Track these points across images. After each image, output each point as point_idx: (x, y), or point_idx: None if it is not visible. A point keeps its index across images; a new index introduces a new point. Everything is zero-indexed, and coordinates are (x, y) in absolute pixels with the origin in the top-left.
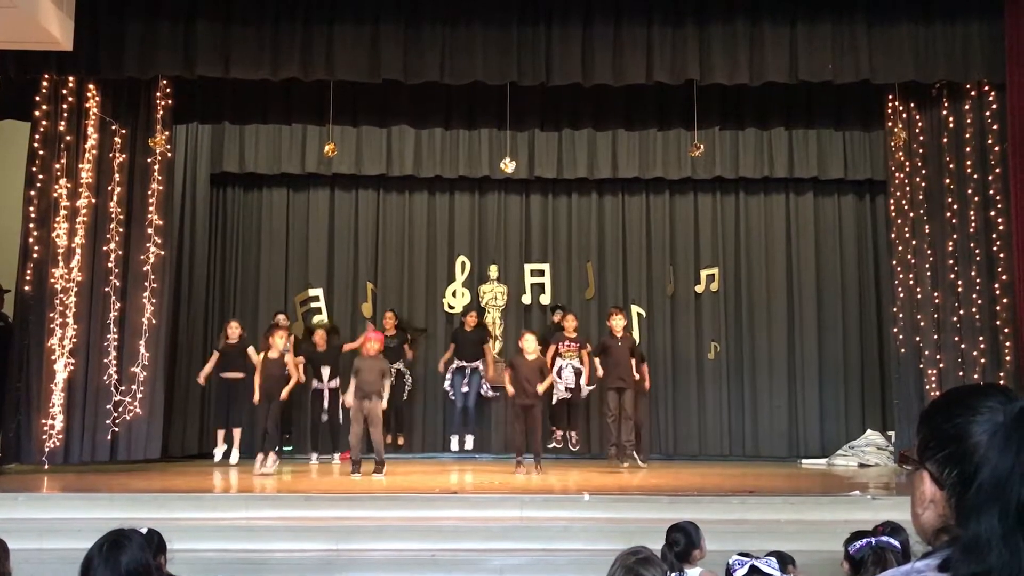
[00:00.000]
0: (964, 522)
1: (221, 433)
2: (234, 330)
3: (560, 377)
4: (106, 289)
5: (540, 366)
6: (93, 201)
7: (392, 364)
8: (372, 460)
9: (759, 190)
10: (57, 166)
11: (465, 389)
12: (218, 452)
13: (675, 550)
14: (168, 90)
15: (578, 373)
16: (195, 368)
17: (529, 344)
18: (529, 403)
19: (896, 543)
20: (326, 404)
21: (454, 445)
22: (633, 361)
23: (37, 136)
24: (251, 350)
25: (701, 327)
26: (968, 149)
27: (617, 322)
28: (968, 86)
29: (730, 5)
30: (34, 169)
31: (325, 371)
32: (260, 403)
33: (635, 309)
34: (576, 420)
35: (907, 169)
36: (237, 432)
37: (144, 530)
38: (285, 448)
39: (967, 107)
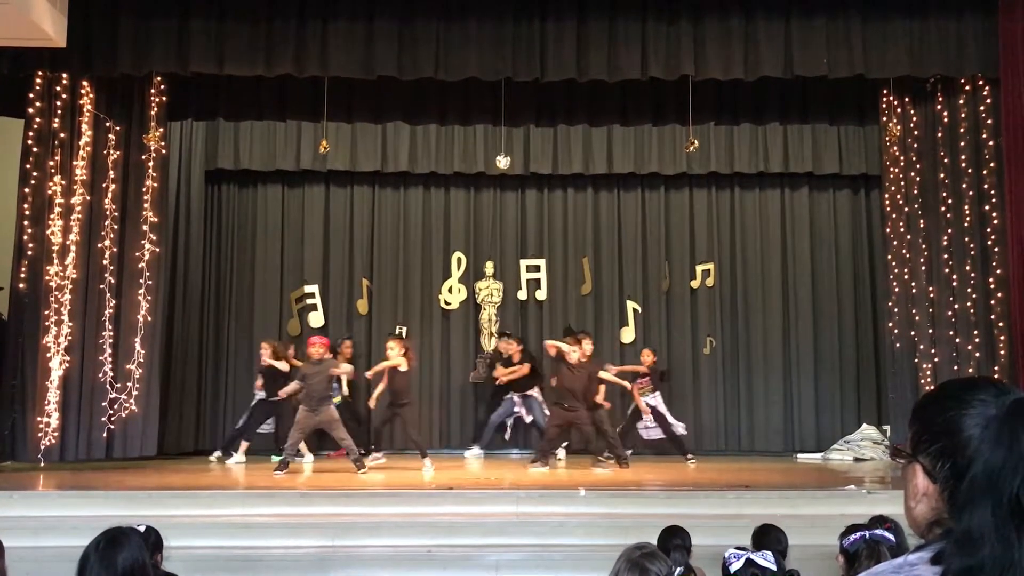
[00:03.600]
0: (957, 515)
1: (245, 445)
2: (266, 351)
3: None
4: (101, 286)
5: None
6: (87, 198)
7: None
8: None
9: (754, 185)
10: (51, 163)
11: (528, 416)
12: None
13: (680, 551)
14: (162, 87)
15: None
16: (190, 364)
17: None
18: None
19: (890, 536)
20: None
21: (468, 453)
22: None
23: (31, 133)
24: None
25: (696, 322)
26: (963, 144)
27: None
28: (963, 81)
29: (724, 0)
30: (28, 166)
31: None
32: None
33: (631, 304)
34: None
35: (902, 164)
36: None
37: (142, 528)
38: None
39: (961, 102)
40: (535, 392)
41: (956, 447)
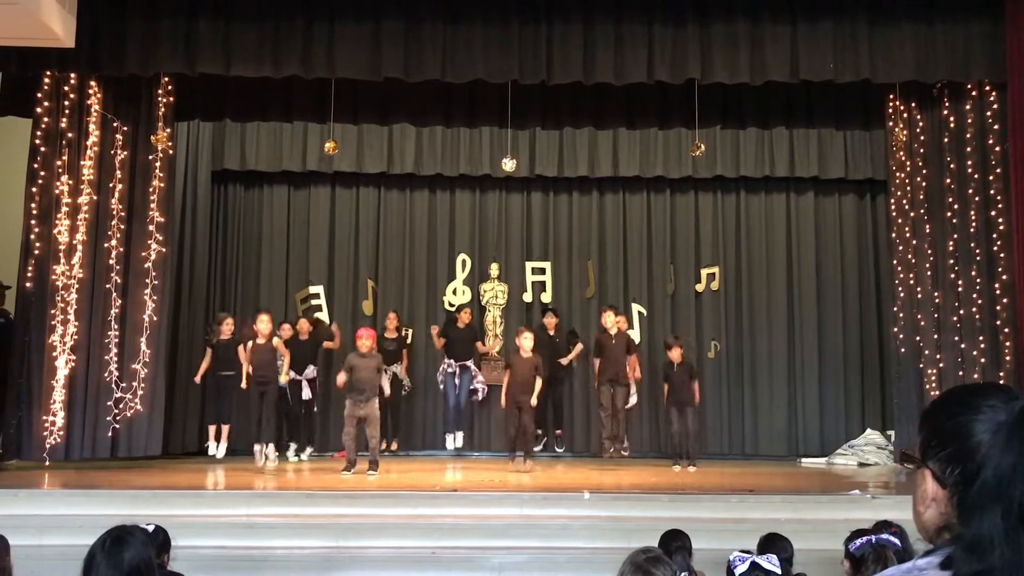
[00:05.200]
0: (966, 520)
1: (212, 429)
2: (228, 326)
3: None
4: (107, 286)
5: (535, 364)
6: (94, 198)
7: (389, 366)
8: (366, 459)
9: (760, 189)
10: (59, 163)
11: (456, 388)
12: (212, 447)
13: (682, 554)
14: (169, 87)
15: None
16: (196, 365)
17: (527, 343)
18: (524, 399)
19: (896, 541)
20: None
21: (448, 443)
22: (629, 358)
23: (39, 133)
24: (240, 348)
25: (701, 326)
26: (969, 149)
27: (608, 318)
28: (969, 86)
29: (731, 4)
30: (36, 166)
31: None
32: (252, 393)
33: (636, 308)
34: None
35: (908, 169)
36: (226, 428)
37: (151, 527)
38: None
39: (968, 107)
40: (471, 363)
41: (966, 452)
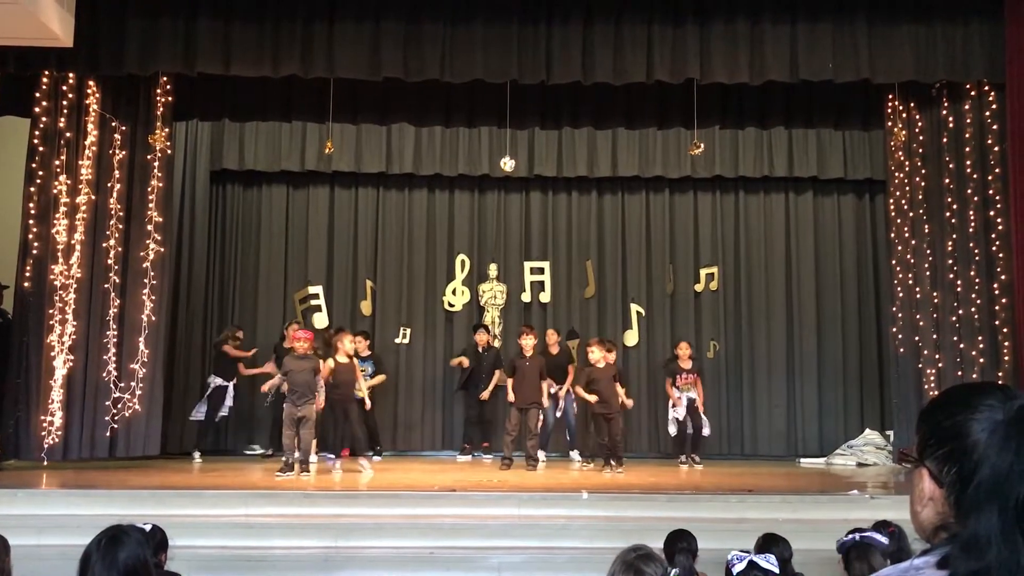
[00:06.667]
0: (963, 519)
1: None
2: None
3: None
4: (105, 286)
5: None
6: (93, 198)
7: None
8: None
9: (759, 189)
10: (57, 162)
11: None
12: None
13: (686, 554)
14: (168, 87)
15: (692, 404)
16: (194, 364)
17: (528, 342)
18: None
19: (883, 539)
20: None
21: (540, 456)
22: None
23: (37, 132)
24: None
25: (700, 326)
26: (968, 149)
27: (527, 341)
28: (968, 86)
29: (731, 4)
30: (34, 165)
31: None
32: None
33: (634, 308)
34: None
35: (907, 169)
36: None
37: (148, 527)
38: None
39: (967, 107)
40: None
41: (963, 451)
